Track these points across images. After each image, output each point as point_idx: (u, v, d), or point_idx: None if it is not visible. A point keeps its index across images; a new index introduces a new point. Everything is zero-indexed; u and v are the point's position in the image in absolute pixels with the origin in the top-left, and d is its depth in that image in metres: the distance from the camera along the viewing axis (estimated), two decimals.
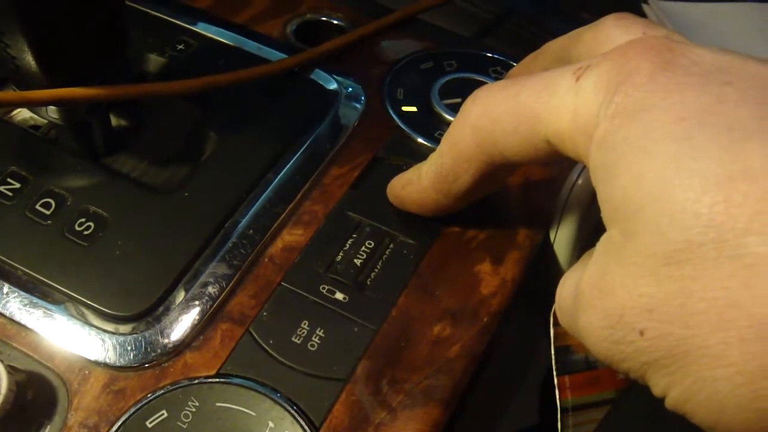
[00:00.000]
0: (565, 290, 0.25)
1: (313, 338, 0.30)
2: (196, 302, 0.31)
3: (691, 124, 0.19)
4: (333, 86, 0.39)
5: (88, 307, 0.30)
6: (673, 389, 0.20)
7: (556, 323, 0.33)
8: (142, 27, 0.40)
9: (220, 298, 0.31)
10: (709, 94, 0.19)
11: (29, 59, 0.30)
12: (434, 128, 0.38)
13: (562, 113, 0.23)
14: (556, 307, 0.26)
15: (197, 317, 0.30)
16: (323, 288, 0.32)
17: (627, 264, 0.20)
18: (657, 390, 0.20)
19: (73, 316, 0.30)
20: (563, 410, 0.32)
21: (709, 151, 0.18)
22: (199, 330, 0.30)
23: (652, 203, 0.19)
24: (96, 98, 0.32)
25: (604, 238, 0.22)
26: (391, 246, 0.33)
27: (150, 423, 0.28)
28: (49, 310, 0.30)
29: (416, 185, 0.31)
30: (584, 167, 0.36)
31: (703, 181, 0.18)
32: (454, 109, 0.38)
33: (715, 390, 0.18)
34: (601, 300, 0.21)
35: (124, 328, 0.30)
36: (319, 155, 0.36)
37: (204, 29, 0.41)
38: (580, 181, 0.35)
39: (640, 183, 0.19)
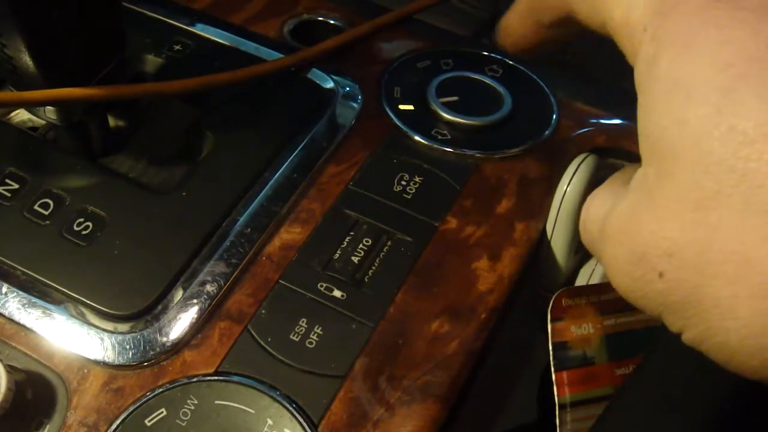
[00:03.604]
0: (592, 212, 0.25)
1: (311, 336, 0.30)
2: (195, 301, 0.31)
3: (737, 73, 0.19)
4: (330, 85, 0.39)
5: (86, 306, 0.31)
6: (687, 332, 0.20)
7: (554, 319, 0.33)
8: (139, 28, 0.40)
9: (219, 296, 0.31)
10: (760, 34, 0.19)
11: (26, 59, 0.30)
12: (431, 126, 0.38)
13: (616, 4, 0.22)
14: (580, 225, 0.26)
15: (195, 316, 0.30)
16: (321, 286, 0.32)
17: (657, 205, 0.20)
18: (673, 328, 0.21)
19: (71, 315, 0.30)
20: (561, 406, 0.32)
21: (750, 106, 0.19)
22: (197, 328, 0.30)
23: (690, 151, 0.19)
24: (94, 98, 0.32)
25: (639, 174, 0.22)
26: (389, 243, 0.33)
27: (149, 421, 0.28)
28: (48, 309, 0.31)
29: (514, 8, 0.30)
30: (580, 164, 0.36)
31: (741, 137, 0.18)
32: (451, 108, 0.38)
33: (726, 339, 0.19)
34: (627, 236, 0.21)
35: (123, 327, 0.30)
36: (316, 154, 0.36)
37: (201, 30, 0.41)
38: (576, 178, 0.35)
39: (681, 129, 0.20)
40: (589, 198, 0.25)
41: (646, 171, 0.21)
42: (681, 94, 0.20)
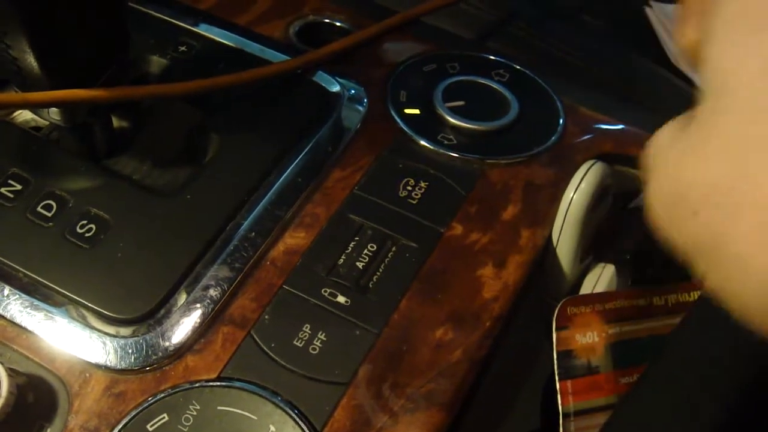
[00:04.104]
0: (655, 143, 0.25)
1: (314, 342, 0.30)
2: (198, 305, 0.31)
3: None
4: (335, 88, 0.39)
5: (89, 309, 0.30)
6: (707, 278, 0.20)
7: (559, 327, 0.33)
8: (144, 28, 0.40)
9: (222, 301, 0.31)
10: None
11: (31, 60, 0.30)
12: (437, 131, 0.38)
13: None
14: (647, 146, 0.26)
15: (198, 320, 0.30)
16: (325, 291, 0.31)
17: (705, 143, 0.20)
18: (697, 272, 0.21)
19: (74, 318, 0.30)
20: (565, 415, 0.32)
21: None
22: (200, 333, 0.30)
23: (745, 88, 0.19)
24: (98, 100, 0.32)
25: (699, 110, 0.22)
26: (394, 249, 0.33)
27: (151, 426, 0.28)
28: (50, 312, 0.30)
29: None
30: (587, 171, 0.35)
31: None
32: (457, 112, 0.38)
33: (742, 291, 0.19)
34: (674, 170, 0.21)
35: (125, 331, 0.30)
36: (321, 158, 0.36)
37: (206, 31, 0.41)
38: (583, 185, 0.35)
39: (740, 64, 0.19)
40: (660, 129, 0.25)
41: (704, 106, 0.21)
42: (745, 25, 0.20)
